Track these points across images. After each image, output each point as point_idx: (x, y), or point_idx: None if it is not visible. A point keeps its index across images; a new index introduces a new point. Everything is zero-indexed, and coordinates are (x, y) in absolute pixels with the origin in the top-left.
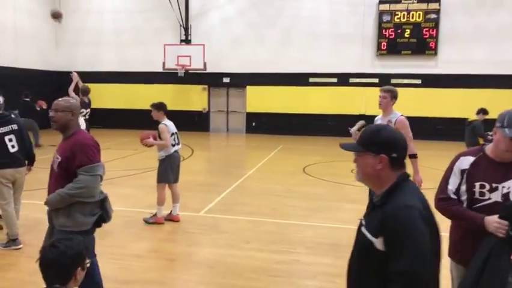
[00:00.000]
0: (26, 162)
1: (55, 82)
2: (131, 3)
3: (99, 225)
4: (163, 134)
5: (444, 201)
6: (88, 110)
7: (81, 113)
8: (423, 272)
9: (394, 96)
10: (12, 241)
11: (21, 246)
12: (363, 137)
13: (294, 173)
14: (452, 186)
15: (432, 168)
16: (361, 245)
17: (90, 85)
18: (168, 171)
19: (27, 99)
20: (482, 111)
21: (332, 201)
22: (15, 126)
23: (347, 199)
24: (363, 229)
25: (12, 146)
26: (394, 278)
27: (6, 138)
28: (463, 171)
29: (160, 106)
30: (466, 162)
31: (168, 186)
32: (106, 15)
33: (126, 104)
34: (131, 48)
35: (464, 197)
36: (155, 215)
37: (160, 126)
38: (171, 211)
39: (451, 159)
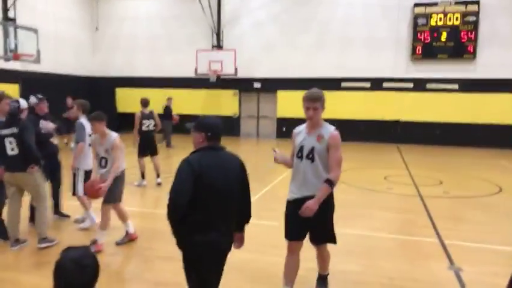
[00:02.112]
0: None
1: (90, 87)
2: (165, 10)
3: None
4: (116, 151)
5: None
6: (150, 121)
7: (143, 124)
8: (177, 198)
9: (324, 105)
10: (15, 241)
11: (15, 247)
12: (196, 122)
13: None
14: None
15: (473, 177)
16: None
17: (124, 90)
18: (121, 187)
19: (168, 105)
20: None
21: (364, 209)
22: (15, 129)
23: (378, 206)
24: None
25: (12, 149)
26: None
27: (7, 140)
28: None
29: (99, 117)
30: None
31: (114, 205)
32: (141, 22)
33: (159, 109)
34: (165, 54)
35: None
36: (95, 241)
37: (115, 140)
38: (127, 231)
39: (493, 168)
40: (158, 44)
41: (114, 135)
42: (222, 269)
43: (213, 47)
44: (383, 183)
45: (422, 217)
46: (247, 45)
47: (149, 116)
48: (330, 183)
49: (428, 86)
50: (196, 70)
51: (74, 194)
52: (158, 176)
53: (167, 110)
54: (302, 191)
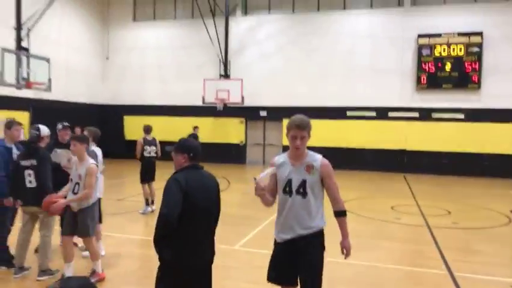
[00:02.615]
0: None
1: (99, 114)
2: (174, 40)
3: None
4: (90, 178)
5: None
6: (152, 147)
7: (144, 150)
8: (169, 212)
9: (310, 133)
10: (19, 269)
11: (18, 275)
12: (178, 144)
13: (331, 208)
14: None
15: (481, 207)
16: None
17: (133, 117)
18: (92, 223)
19: (195, 134)
20: None
21: (371, 239)
22: (34, 162)
23: (385, 237)
24: None
25: (30, 182)
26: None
27: (26, 172)
28: None
29: (83, 138)
30: None
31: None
32: (150, 52)
33: (167, 136)
34: (173, 82)
35: None
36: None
37: (90, 167)
38: (94, 269)
39: (502, 198)
40: (167, 73)
41: (90, 161)
42: (211, 280)
43: (220, 76)
44: (390, 213)
45: (431, 248)
46: (254, 74)
47: (151, 142)
48: (345, 213)
49: (434, 115)
50: (203, 98)
51: None
52: (152, 202)
53: (194, 138)
54: (295, 230)
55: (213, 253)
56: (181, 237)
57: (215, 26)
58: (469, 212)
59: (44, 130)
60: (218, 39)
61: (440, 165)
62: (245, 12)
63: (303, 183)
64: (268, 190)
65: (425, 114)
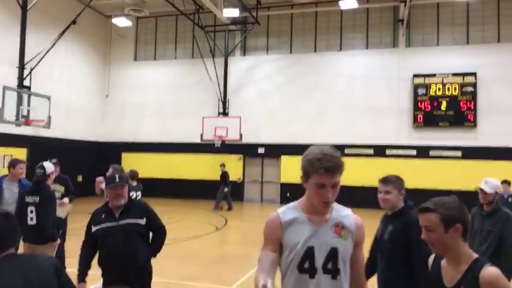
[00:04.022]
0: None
1: (97, 151)
2: (174, 79)
3: None
4: None
5: None
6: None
7: (131, 195)
8: None
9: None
10: None
11: None
12: None
13: None
14: None
15: None
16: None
17: (131, 155)
18: None
19: (224, 170)
20: None
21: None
22: (37, 199)
23: None
24: None
25: (31, 219)
26: None
27: (29, 209)
28: None
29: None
30: None
31: None
32: (149, 90)
33: (165, 173)
34: (172, 120)
35: None
36: None
37: None
38: None
39: None
40: (166, 111)
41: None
42: None
43: (218, 113)
44: None
45: None
46: (252, 112)
47: (137, 188)
48: None
49: (431, 153)
50: (201, 136)
51: None
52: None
53: (225, 174)
54: None
55: None
56: None
57: (214, 66)
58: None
59: (49, 167)
60: (217, 78)
61: None
62: (244, 53)
63: (334, 255)
64: (268, 267)
65: (423, 152)
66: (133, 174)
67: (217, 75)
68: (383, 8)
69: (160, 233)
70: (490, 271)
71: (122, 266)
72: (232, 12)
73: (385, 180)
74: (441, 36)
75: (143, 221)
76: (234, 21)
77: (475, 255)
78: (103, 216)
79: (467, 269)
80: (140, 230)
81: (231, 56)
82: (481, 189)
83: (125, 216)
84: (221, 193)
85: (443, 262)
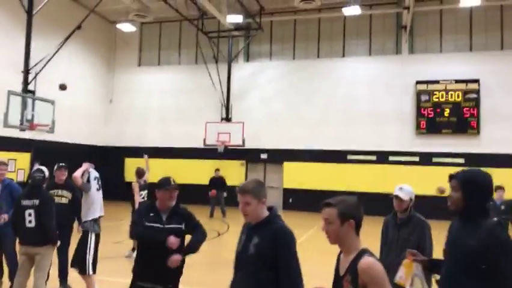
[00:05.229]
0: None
1: (100, 156)
2: (178, 85)
3: None
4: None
5: None
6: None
7: (140, 195)
8: None
9: None
10: None
11: None
12: None
13: (334, 254)
14: None
15: None
16: None
17: (133, 159)
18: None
19: (218, 176)
20: None
21: None
22: (36, 202)
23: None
24: None
25: (29, 222)
26: None
27: (27, 212)
28: None
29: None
30: None
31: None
32: (153, 95)
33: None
34: (175, 125)
35: None
36: None
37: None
38: None
39: None
40: (169, 116)
41: None
42: None
43: (221, 119)
44: None
45: None
46: (255, 117)
47: (145, 187)
48: None
49: (434, 159)
50: (204, 141)
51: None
52: (133, 249)
53: (221, 180)
54: None
55: None
56: None
57: (218, 72)
58: None
59: (46, 171)
60: (220, 83)
61: (443, 210)
62: (247, 59)
63: None
64: None
65: (426, 159)
66: (140, 172)
67: (220, 81)
68: (386, 14)
69: (198, 232)
70: (365, 260)
71: (161, 267)
72: (236, 18)
73: None
74: (444, 43)
75: (183, 226)
76: (237, 27)
77: (361, 247)
78: (151, 215)
79: (353, 259)
80: (181, 234)
81: (234, 61)
82: (396, 196)
83: (171, 221)
84: (222, 198)
85: (342, 254)
